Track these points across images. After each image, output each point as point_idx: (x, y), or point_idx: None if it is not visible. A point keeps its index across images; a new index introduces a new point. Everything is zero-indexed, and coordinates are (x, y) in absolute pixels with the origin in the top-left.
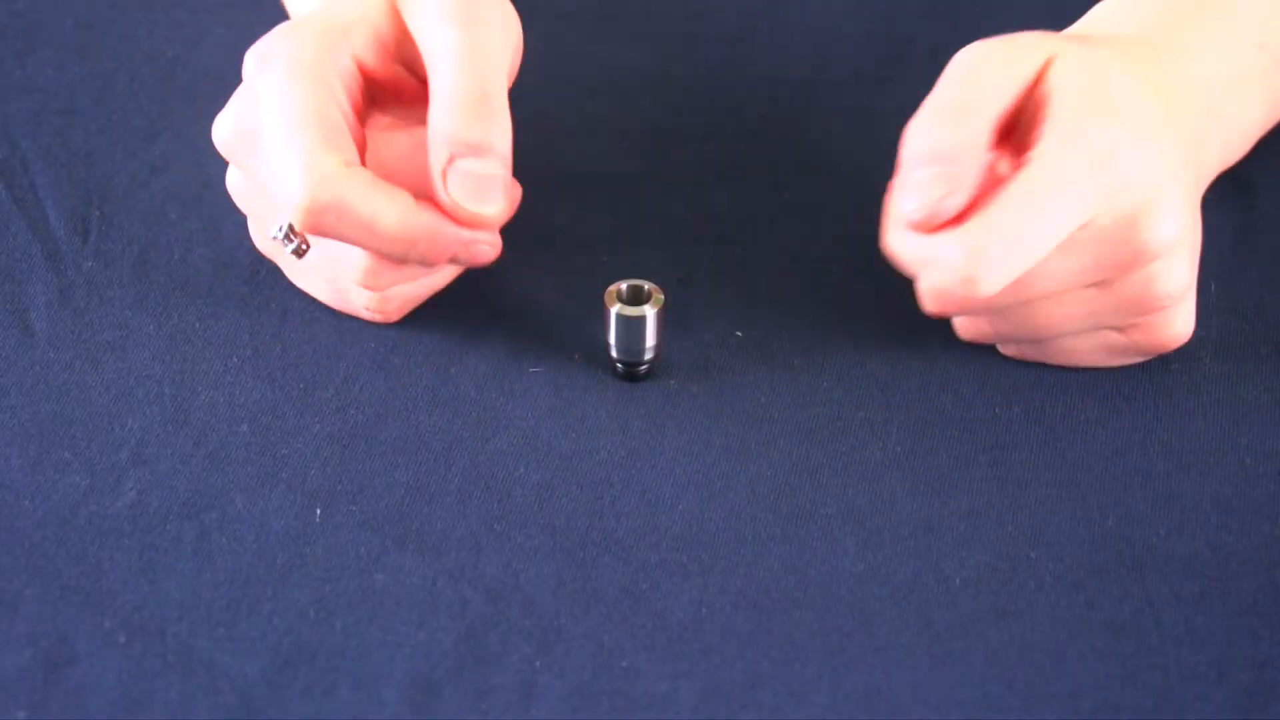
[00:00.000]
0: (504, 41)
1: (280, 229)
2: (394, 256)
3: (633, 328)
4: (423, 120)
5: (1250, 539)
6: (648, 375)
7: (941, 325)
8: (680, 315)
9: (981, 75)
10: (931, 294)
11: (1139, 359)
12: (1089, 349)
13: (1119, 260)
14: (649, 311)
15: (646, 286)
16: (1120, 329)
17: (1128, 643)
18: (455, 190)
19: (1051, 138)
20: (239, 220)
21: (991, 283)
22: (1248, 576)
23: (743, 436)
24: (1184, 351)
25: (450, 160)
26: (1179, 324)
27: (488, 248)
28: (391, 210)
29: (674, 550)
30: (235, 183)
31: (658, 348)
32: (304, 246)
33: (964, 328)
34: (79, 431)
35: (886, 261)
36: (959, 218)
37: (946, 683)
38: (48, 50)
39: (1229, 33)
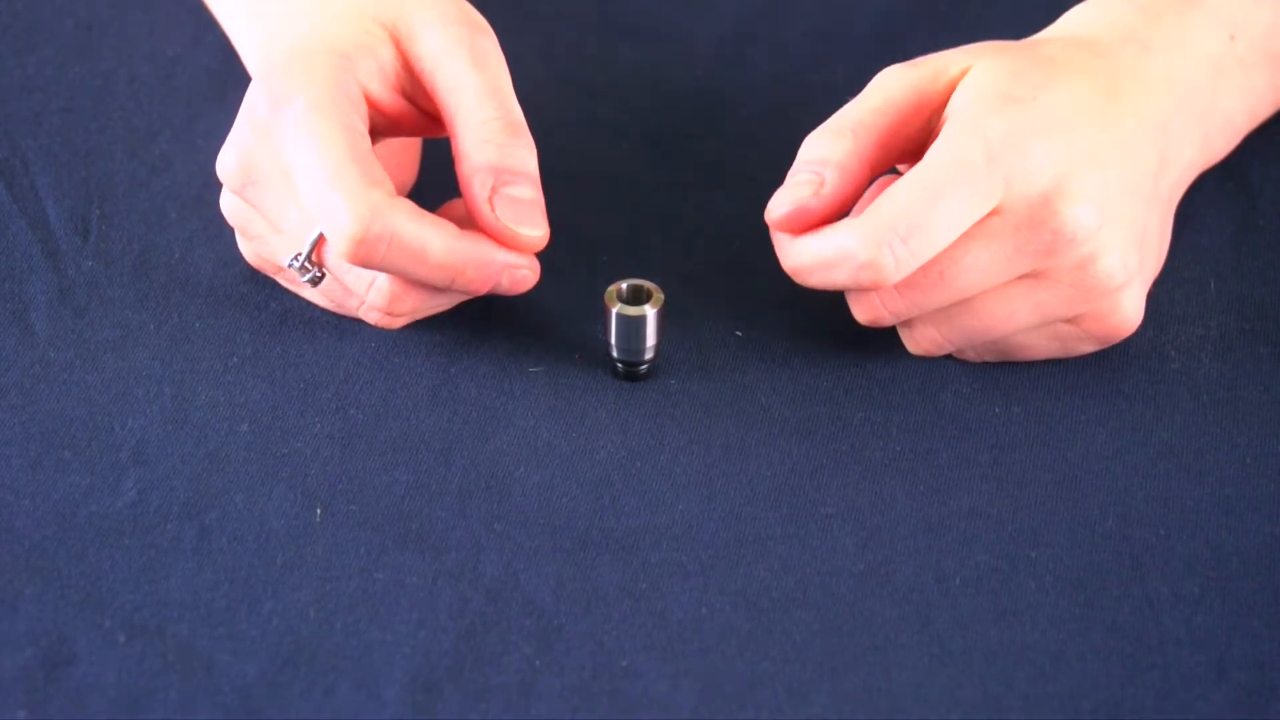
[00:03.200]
0: (505, 67)
1: (297, 258)
2: (438, 284)
3: (633, 328)
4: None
5: (1250, 539)
6: (648, 375)
7: None
8: (680, 315)
9: (875, 90)
10: (851, 299)
11: (1095, 348)
12: (1043, 342)
13: (1040, 246)
14: (649, 311)
15: (646, 286)
16: (1069, 320)
17: (1128, 643)
18: (505, 216)
19: (948, 131)
20: None
21: (893, 265)
22: (1248, 576)
23: (743, 436)
24: (1184, 351)
25: (494, 189)
26: (1126, 309)
27: (529, 273)
28: (439, 239)
29: (674, 550)
30: (232, 206)
31: (657, 348)
32: (320, 275)
33: (916, 341)
34: (79, 431)
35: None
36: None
37: (946, 683)
38: (48, 50)
39: (1196, 26)
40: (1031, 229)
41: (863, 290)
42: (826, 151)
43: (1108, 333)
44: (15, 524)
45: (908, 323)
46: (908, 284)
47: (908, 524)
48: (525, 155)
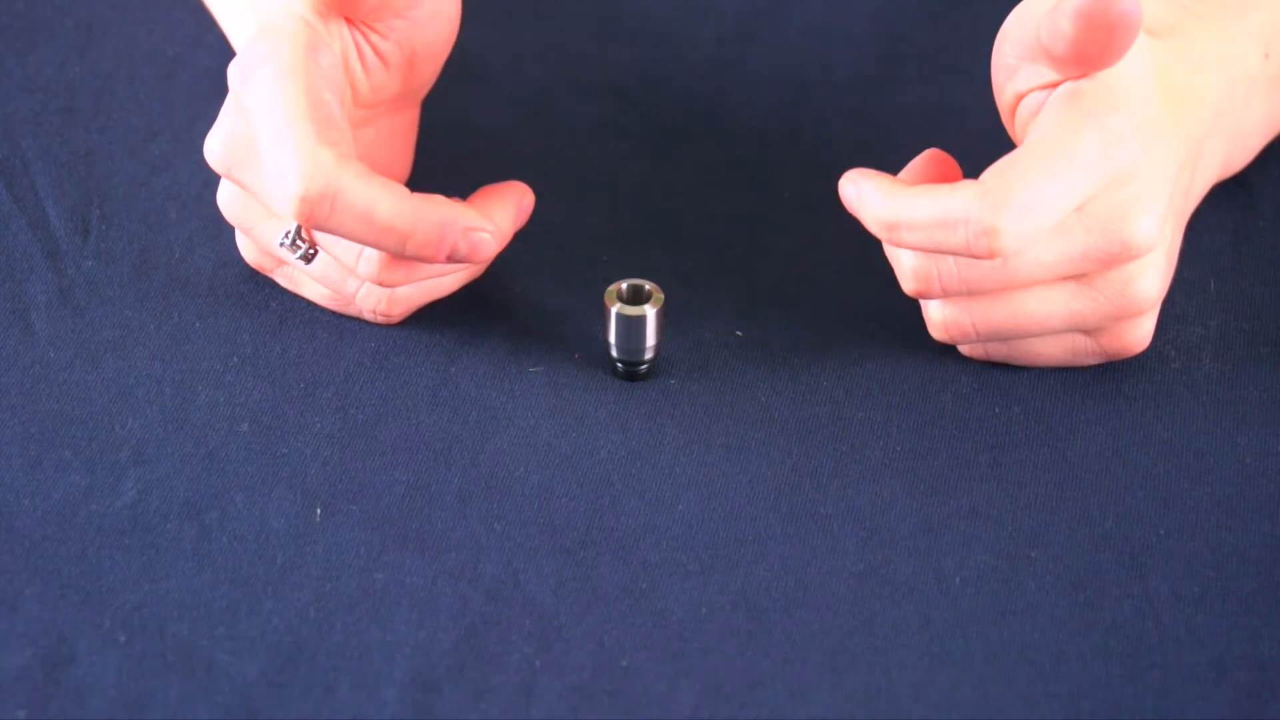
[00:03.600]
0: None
1: (287, 235)
2: (391, 248)
3: (633, 327)
4: (390, 113)
5: (1250, 539)
6: (648, 375)
7: None
8: (680, 315)
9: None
10: (907, 268)
11: (1098, 363)
12: (1057, 351)
13: (1107, 253)
14: (649, 311)
15: (647, 286)
16: (1089, 332)
17: (1128, 643)
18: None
19: (1071, 108)
20: None
21: (1014, 233)
22: (1248, 576)
23: (743, 436)
24: (1184, 351)
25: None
26: (1144, 330)
27: (488, 237)
28: (387, 200)
29: (674, 550)
30: (228, 198)
31: (657, 347)
32: (312, 252)
33: (945, 325)
34: (79, 431)
35: (885, 261)
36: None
37: (946, 683)
38: (48, 50)
39: (1239, 38)
40: (1104, 234)
41: (951, 256)
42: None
43: (1120, 350)
44: (15, 524)
45: (943, 304)
46: (981, 303)
47: (908, 524)
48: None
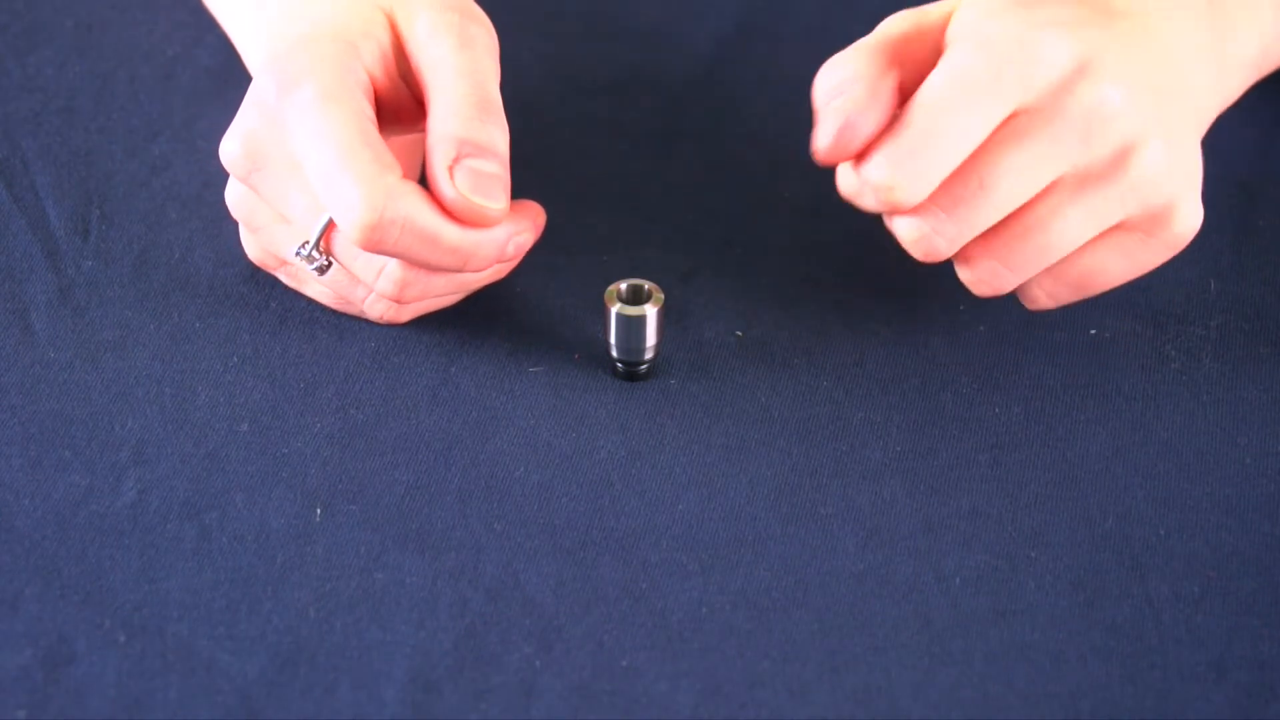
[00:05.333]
0: (494, 57)
1: (304, 247)
2: (450, 267)
3: (633, 327)
4: (401, 130)
5: (1250, 539)
6: (648, 375)
7: (941, 325)
8: (680, 315)
9: (875, 30)
10: (901, 235)
11: (1167, 254)
12: (1111, 260)
13: (1073, 134)
14: (649, 311)
15: (646, 286)
16: (1129, 227)
17: (1128, 643)
18: (462, 185)
19: (949, 46)
20: None
21: (907, 182)
22: (1248, 576)
23: (743, 436)
24: (1184, 351)
25: (456, 159)
26: (1183, 206)
27: (529, 236)
28: (453, 224)
29: (674, 550)
30: (238, 197)
31: (657, 347)
32: (327, 263)
33: (978, 276)
34: (79, 431)
35: (885, 260)
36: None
37: (946, 682)
38: (48, 50)
39: None
40: (1061, 117)
41: (901, 215)
42: (842, 73)
43: (1170, 233)
44: (15, 524)
45: (967, 259)
46: (951, 200)
47: (907, 524)
48: (495, 133)
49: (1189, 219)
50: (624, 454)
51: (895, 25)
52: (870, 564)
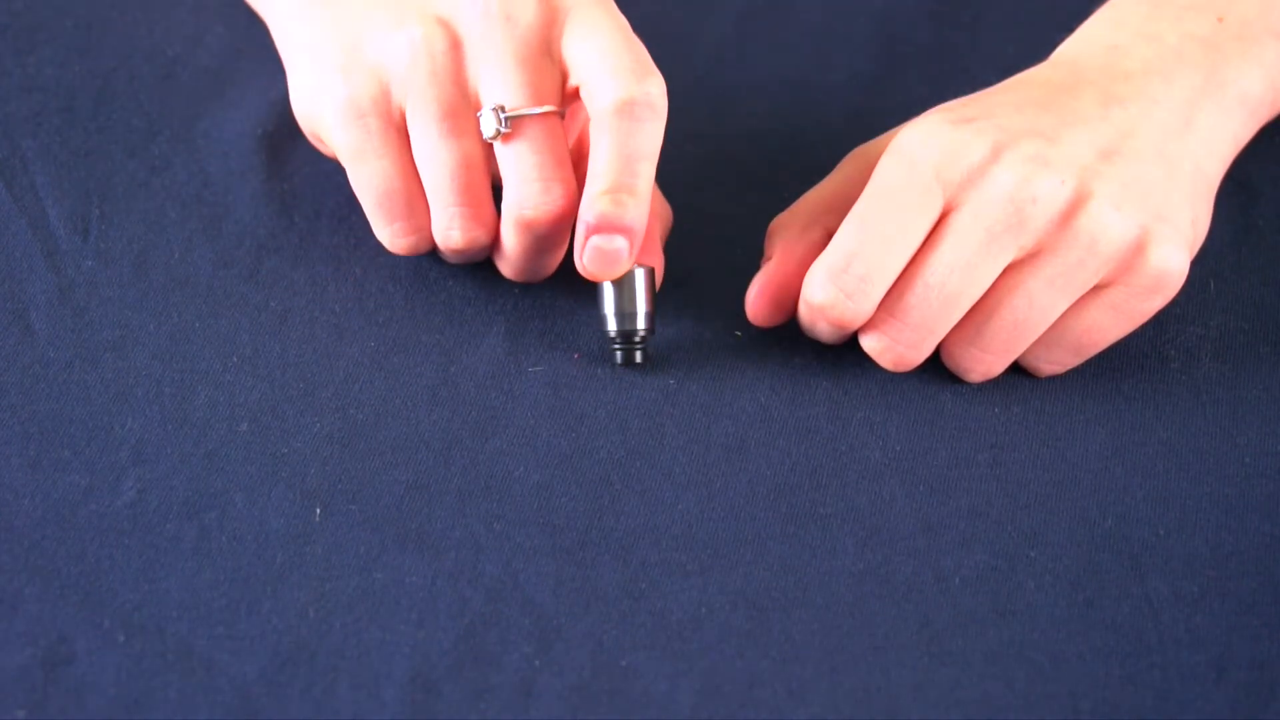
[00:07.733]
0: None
1: (501, 111)
2: (633, 224)
3: (624, 288)
4: None
5: (1250, 539)
6: (645, 361)
7: None
8: (680, 315)
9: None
10: (869, 350)
11: (1158, 298)
12: (1103, 318)
13: (1005, 219)
14: (638, 270)
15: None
16: (1107, 284)
17: (1128, 643)
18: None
19: (878, 162)
20: (239, 220)
21: (845, 298)
22: (1248, 576)
23: (743, 436)
24: (1184, 351)
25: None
26: (1155, 255)
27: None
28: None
29: (674, 550)
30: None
31: (651, 317)
32: (507, 130)
33: (968, 369)
34: (79, 431)
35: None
36: None
37: (945, 682)
38: (48, 50)
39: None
40: (989, 204)
41: (853, 333)
42: (772, 227)
43: (1148, 275)
44: (15, 524)
45: (950, 355)
46: (904, 308)
47: (907, 524)
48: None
49: (1163, 258)
50: (623, 453)
51: (849, 168)
52: (870, 564)
